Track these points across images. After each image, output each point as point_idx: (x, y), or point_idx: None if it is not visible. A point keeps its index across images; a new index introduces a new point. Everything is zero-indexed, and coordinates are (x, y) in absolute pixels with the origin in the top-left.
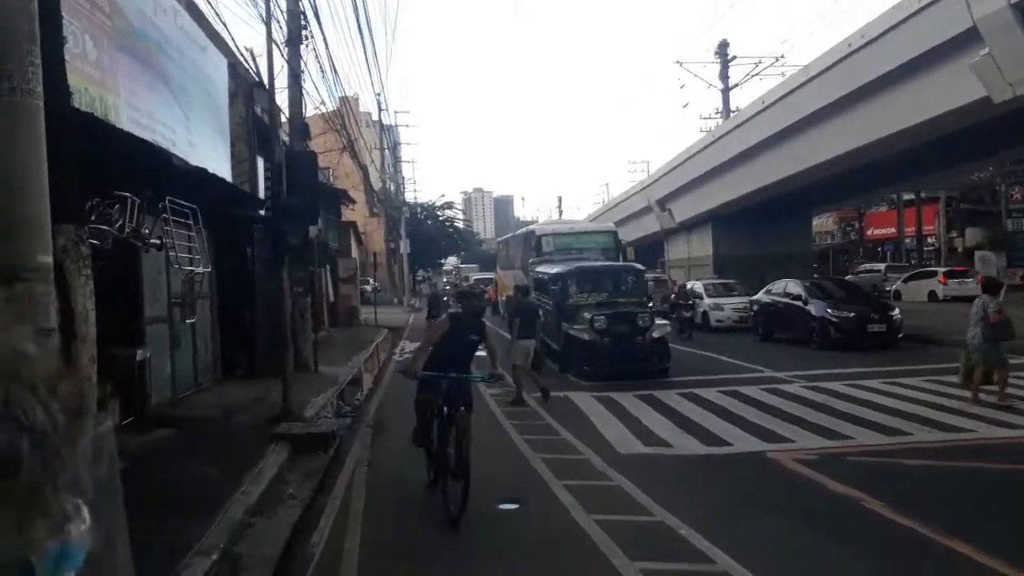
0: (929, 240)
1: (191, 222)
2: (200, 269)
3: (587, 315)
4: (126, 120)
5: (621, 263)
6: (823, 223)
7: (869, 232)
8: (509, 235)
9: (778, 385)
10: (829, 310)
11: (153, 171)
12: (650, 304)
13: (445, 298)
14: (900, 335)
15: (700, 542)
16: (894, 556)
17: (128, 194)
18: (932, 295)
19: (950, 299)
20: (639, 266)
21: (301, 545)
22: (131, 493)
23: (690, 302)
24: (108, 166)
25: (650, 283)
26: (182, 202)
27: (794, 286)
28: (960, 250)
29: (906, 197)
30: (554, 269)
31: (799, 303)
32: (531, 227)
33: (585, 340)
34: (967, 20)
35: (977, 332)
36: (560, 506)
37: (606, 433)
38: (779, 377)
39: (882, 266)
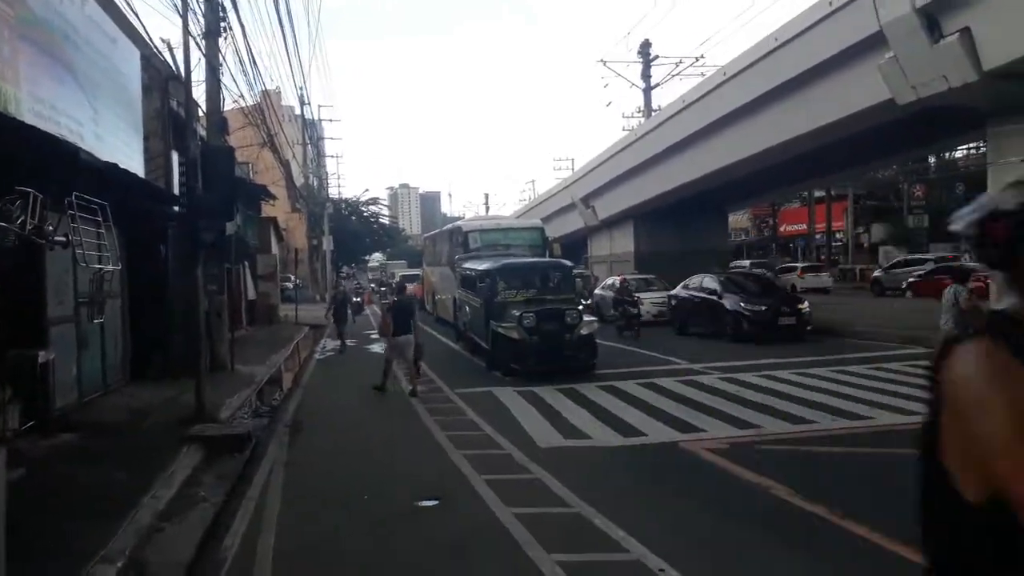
0: (838, 236)
1: (100, 219)
2: (109, 267)
3: (515, 313)
4: (28, 112)
5: (549, 260)
6: (739, 220)
7: (782, 228)
8: (436, 231)
9: (693, 377)
10: (742, 304)
11: (58, 166)
12: (587, 303)
13: (357, 299)
14: (809, 328)
15: (615, 532)
16: (800, 540)
17: (30, 190)
18: (792, 288)
19: (808, 291)
20: (567, 263)
21: (213, 550)
22: (31, 499)
23: (634, 297)
24: (8, 160)
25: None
26: (90, 198)
27: (709, 281)
28: (866, 245)
29: (817, 194)
30: (482, 266)
31: (714, 297)
32: (458, 223)
33: (514, 338)
34: (874, 24)
35: (949, 319)
36: (480, 501)
37: (527, 427)
38: (694, 369)
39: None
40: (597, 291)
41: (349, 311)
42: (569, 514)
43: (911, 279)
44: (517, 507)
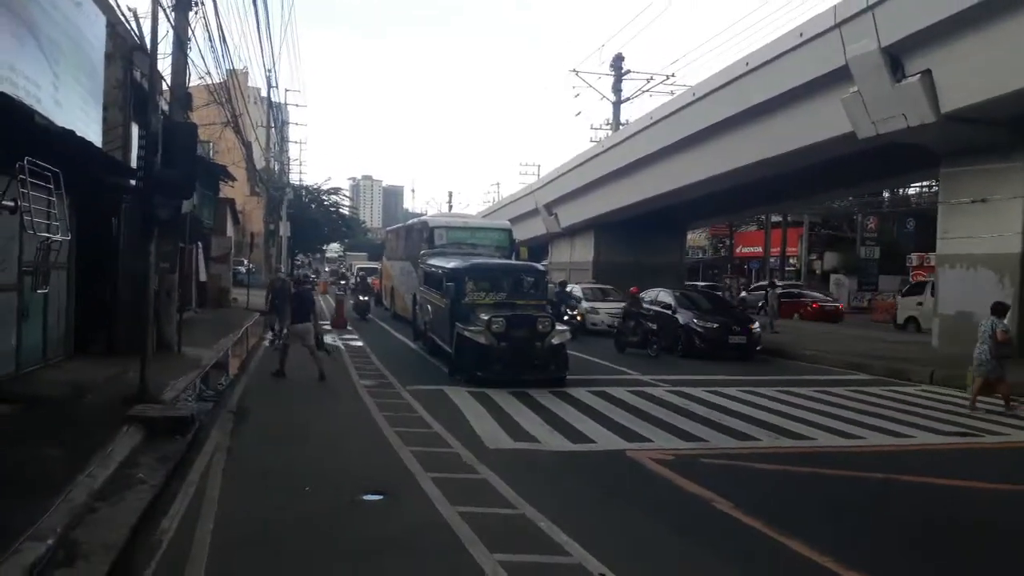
0: (792, 261)
1: (52, 186)
2: (58, 237)
3: (484, 316)
4: None
5: (522, 263)
6: (696, 238)
7: (738, 249)
8: (399, 225)
9: (644, 388)
10: (695, 320)
11: (12, 128)
12: (570, 310)
13: (294, 290)
14: (758, 348)
15: (558, 535)
16: (736, 552)
17: None
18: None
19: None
20: (540, 267)
21: (148, 533)
22: None
23: (650, 311)
24: None
25: None
26: (43, 164)
27: (665, 295)
28: (818, 272)
29: (774, 219)
30: (450, 264)
31: (668, 311)
32: (424, 218)
33: (480, 343)
34: (841, 58)
35: (984, 349)
36: (425, 498)
37: (477, 428)
38: (645, 380)
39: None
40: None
41: (288, 306)
42: (514, 515)
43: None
44: (462, 506)
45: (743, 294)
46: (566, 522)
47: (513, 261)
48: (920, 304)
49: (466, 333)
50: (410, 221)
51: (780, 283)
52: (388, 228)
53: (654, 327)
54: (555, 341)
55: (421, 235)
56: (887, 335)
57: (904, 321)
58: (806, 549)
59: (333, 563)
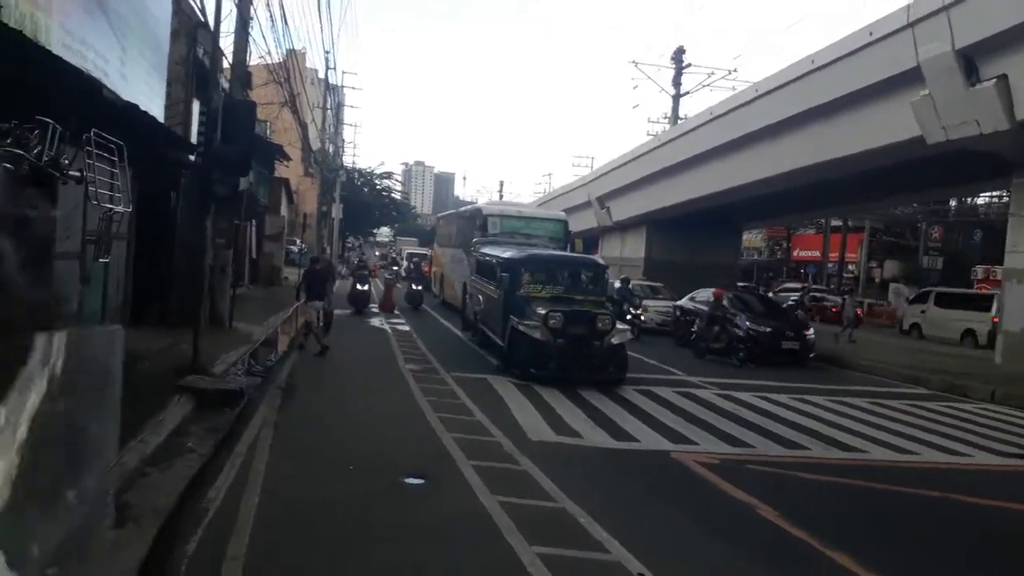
0: (850, 267)
1: (116, 159)
2: (120, 208)
3: (541, 310)
4: (57, 43)
5: (582, 256)
6: (752, 239)
7: (795, 253)
8: (451, 211)
9: (691, 389)
10: (747, 323)
11: (80, 100)
12: (633, 309)
13: (307, 268)
14: (812, 355)
15: (599, 532)
16: (780, 562)
17: (50, 121)
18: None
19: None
20: (600, 261)
21: (196, 500)
22: None
23: (733, 315)
24: (32, 89)
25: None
26: (108, 136)
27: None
28: (877, 280)
29: (834, 223)
30: (506, 253)
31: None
32: (478, 205)
33: (535, 339)
34: (913, 59)
35: None
36: (466, 485)
37: (520, 419)
38: (692, 381)
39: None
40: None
41: (330, 289)
42: (554, 508)
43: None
44: (501, 495)
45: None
46: (607, 519)
47: (572, 254)
48: (924, 312)
49: (521, 327)
50: (463, 208)
51: (804, 286)
52: (440, 214)
53: (741, 333)
54: (615, 341)
55: (474, 222)
56: (949, 349)
57: (909, 327)
58: (851, 563)
59: (372, 544)
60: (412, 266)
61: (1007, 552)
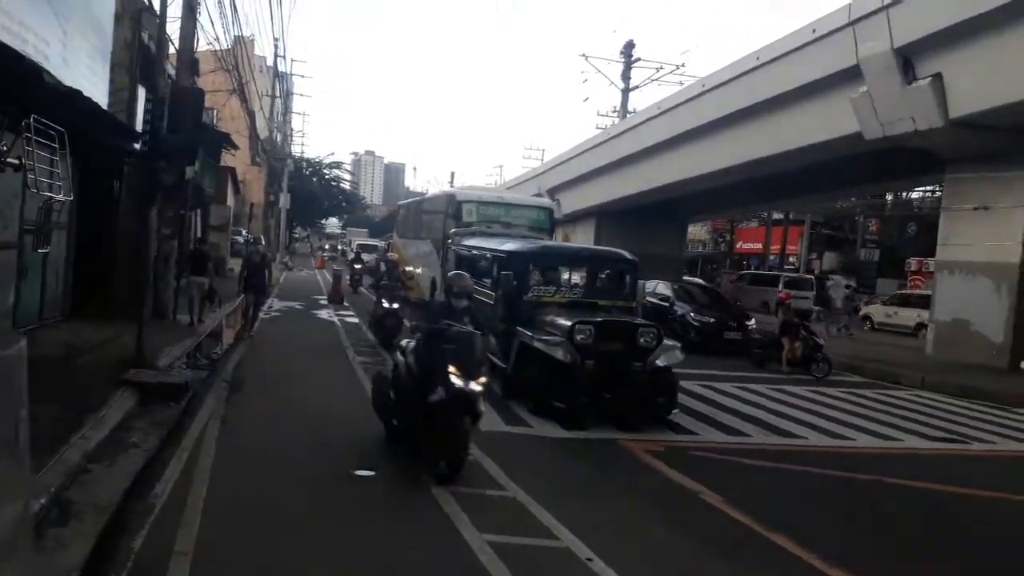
0: (791, 259)
1: (56, 146)
2: (61, 197)
3: (563, 321)
4: None
5: (606, 248)
6: (697, 232)
7: (738, 245)
8: (416, 198)
9: None
10: (692, 314)
11: (20, 86)
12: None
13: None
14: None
15: (547, 519)
16: (723, 544)
17: None
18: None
19: None
20: (628, 255)
21: (141, 496)
22: None
23: (808, 321)
24: None
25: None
26: (48, 123)
27: (663, 287)
28: (817, 271)
29: (776, 216)
30: (505, 245)
31: (666, 304)
32: (450, 190)
33: (558, 360)
34: (853, 57)
35: None
36: (416, 476)
37: None
38: None
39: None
40: None
41: (268, 279)
42: (504, 497)
43: None
44: (452, 485)
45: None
46: (556, 506)
47: (591, 246)
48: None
49: (537, 344)
50: (431, 194)
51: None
52: (401, 202)
53: (822, 342)
54: (661, 362)
55: (446, 211)
56: (883, 339)
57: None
58: (792, 544)
59: (323, 534)
60: (384, 264)
61: (938, 530)
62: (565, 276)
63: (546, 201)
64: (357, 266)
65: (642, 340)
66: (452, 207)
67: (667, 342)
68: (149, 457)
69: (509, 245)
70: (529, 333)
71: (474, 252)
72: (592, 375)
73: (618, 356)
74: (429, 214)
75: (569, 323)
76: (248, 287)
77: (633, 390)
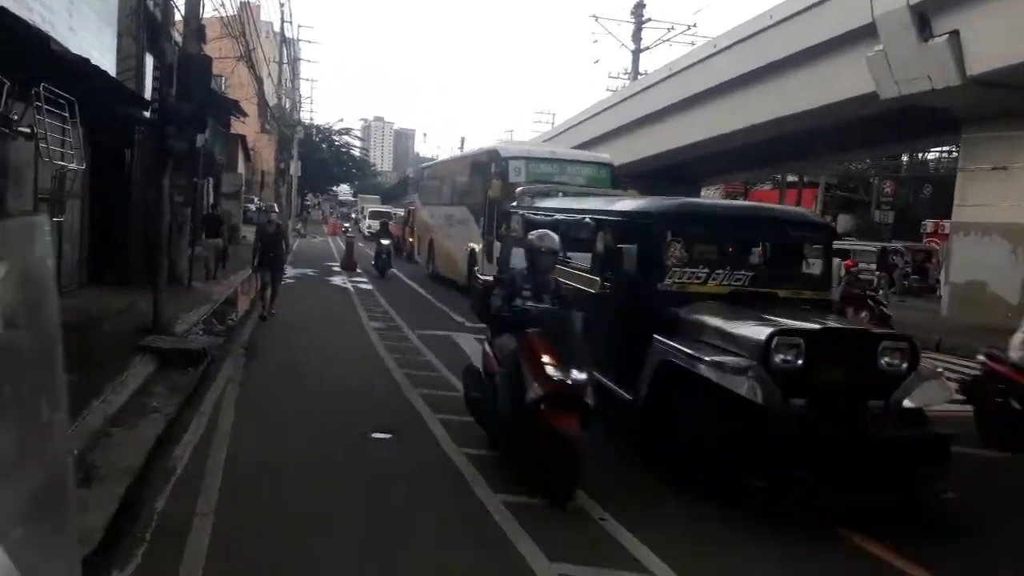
0: None
1: (67, 115)
2: (73, 165)
3: (743, 328)
4: None
5: (788, 208)
6: (710, 195)
7: None
8: (445, 158)
9: None
10: None
11: (28, 54)
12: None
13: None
14: None
15: None
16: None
17: None
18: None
19: None
20: (816, 217)
21: (163, 459)
22: None
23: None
24: None
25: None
26: (58, 92)
27: None
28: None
29: (790, 179)
30: (620, 204)
31: None
32: (491, 146)
33: (746, 401)
34: (868, 15)
35: None
36: (432, 438)
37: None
38: None
39: None
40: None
41: (285, 252)
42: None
43: None
44: (467, 447)
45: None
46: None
47: (769, 205)
48: None
49: (700, 370)
50: (465, 152)
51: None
52: (424, 164)
53: (890, 313)
54: (914, 400)
55: (486, 170)
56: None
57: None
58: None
59: (341, 495)
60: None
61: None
62: (721, 252)
63: (606, 156)
64: (384, 241)
65: (885, 362)
66: (496, 166)
67: (926, 367)
68: (169, 421)
69: (627, 203)
70: (678, 347)
71: (560, 217)
72: (808, 427)
73: (846, 391)
74: (464, 176)
75: (760, 333)
76: (262, 262)
77: (875, 452)
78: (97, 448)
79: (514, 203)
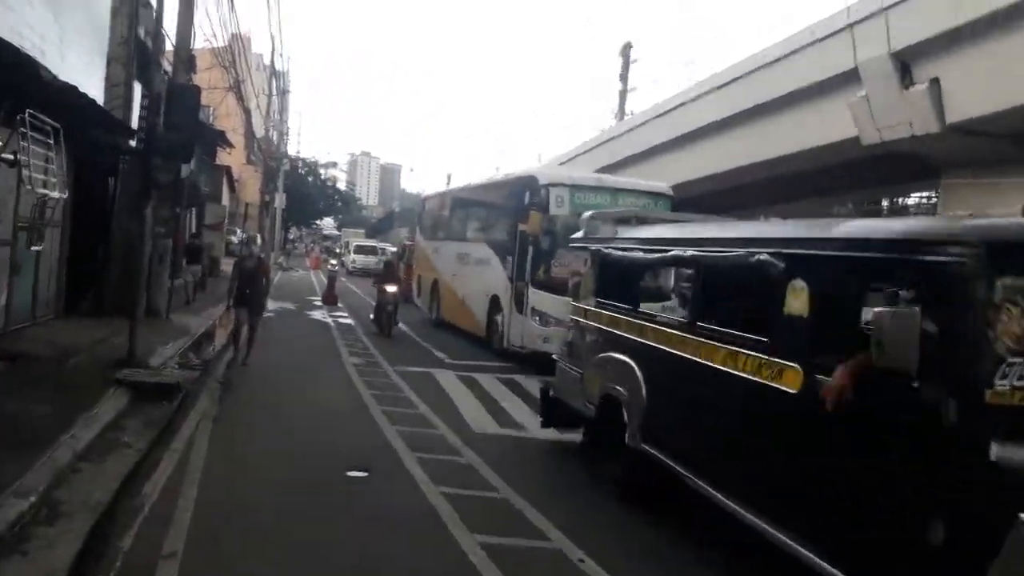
0: None
1: (51, 141)
2: (55, 194)
3: None
4: None
5: None
6: None
7: None
8: (458, 186)
9: None
10: None
11: (16, 80)
12: None
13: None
14: None
15: (540, 520)
16: (722, 546)
17: None
18: None
19: None
20: None
21: (132, 496)
22: None
23: None
24: None
25: None
26: (44, 118)
27: None
28: None
29: None
30: (886, 229)
31: None
32: (525, 172)
33: None
34: (851, 61)
35: None
36: (409, 477)
37: (463, 412)
38: None
39: None
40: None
41: (265, 290)
42: (496, 498)
43: None
44: (444, 487)
45: None
46: (547, 507)
47: None
48: None
49: None
50: (489, 179)
51: None
52: (428, 194)
53: None
54: None
55: (516, 201)
56: None
57: None
58: None
59: (314, 536)
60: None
61: None
62: None
63: (663, 186)
64: (390, 289)
65: None
66: (533, 195)
67: None
68: (140, 457)
69: (883, 226)
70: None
71: (688, 254)
72: None
73: None
74: (485, 207)
75: None
76: (240, 300)
77: None
78: (64, 484)
79: (578, 234)
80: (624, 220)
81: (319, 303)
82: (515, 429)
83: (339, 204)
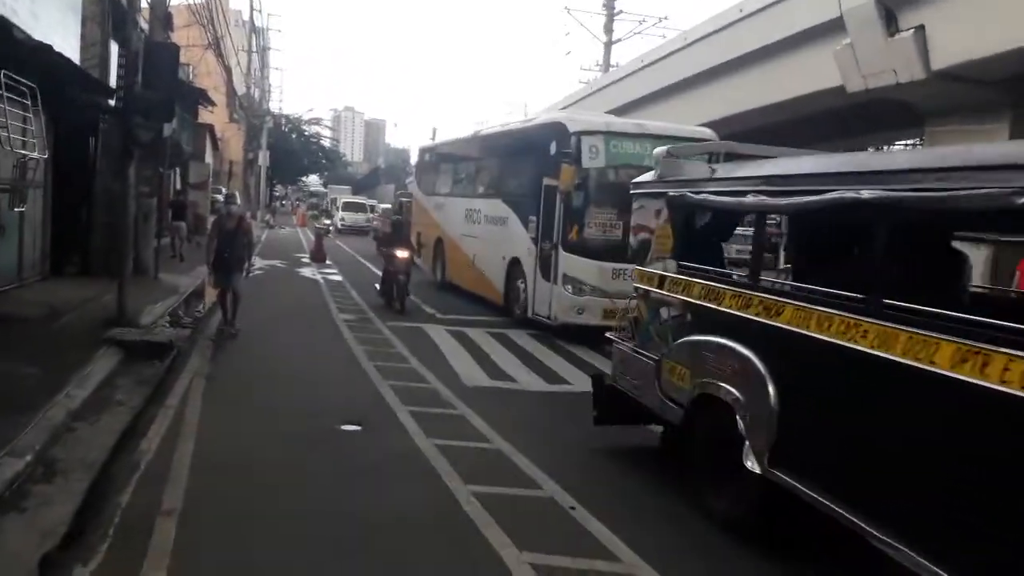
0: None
1: (28, 102)
2: (35, 154)
3: None
4: None
5: None
6: None
7: None
8: (466, 135)
9: None
10: None
11: None
12: None
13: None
14: None
15: (533, 471)
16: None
17: None
18: None
19: None
20: None
21: (128, 453)
22: None
23: None
24: None
25: None
26: (20, 79)
27: None
28: None
29: None
30: None
31: None
32: (551, 118)
33: None
34: (836, 9)
35: None
36: (402, 430)
37: (455, 365)
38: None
39: None
40: None
41: (249, 254)
42: (488, 449)
43: None
44: (437, 439)
45: None
46: (539, 457)
47: None
48: None
49: None
50: (506, 125)
51: None
52: (426, 144)
53: None
54: None
55: (542, 151)
56: None
57: None
58: None
59: (310, 488)
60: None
61: None
62: None
63: (708, 131)
64: (401, 254)
65: None
66: (561, 145)
67: None
68: (134, 414)
69: None
70: None
71: (849, 196)
72: None
73: None
74: (502, 158)
75: None
76: (219, 264)
77: None
78: (60, 443)
79: (646, 176)
80: (713, 155)
81: (308, 260)
82: (506, 381)
83: (324, 161)
